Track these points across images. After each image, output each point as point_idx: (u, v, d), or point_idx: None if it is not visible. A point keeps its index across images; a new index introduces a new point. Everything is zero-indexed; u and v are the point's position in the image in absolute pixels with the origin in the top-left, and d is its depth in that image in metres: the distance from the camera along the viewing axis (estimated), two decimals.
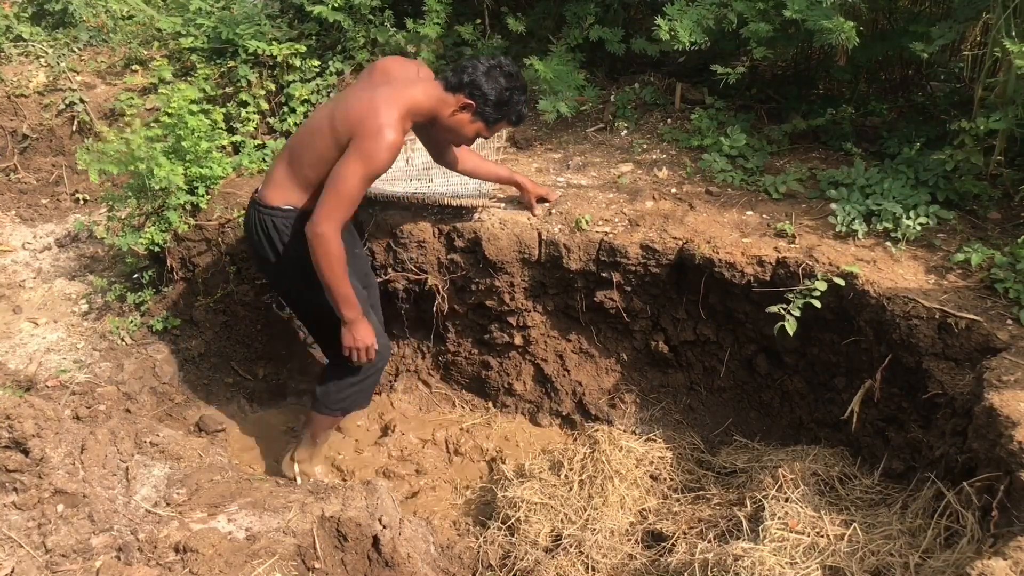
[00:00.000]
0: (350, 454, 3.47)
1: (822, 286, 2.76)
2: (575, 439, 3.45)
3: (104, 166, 3.54)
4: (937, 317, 2.59)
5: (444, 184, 3.53)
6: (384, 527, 2.32)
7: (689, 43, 3.25)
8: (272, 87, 4.51)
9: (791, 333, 2.74)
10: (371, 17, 4.48)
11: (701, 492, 2.95)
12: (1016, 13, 2.75)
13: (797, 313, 2.76)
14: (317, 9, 4.34)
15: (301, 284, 2.88)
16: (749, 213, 3.19)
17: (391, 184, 3.56)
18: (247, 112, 4.41)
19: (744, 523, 2.61)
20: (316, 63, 4.51)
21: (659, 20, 3.32)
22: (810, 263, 2.86)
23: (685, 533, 2.75)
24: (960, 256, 2.77)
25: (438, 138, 2.95)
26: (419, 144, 3.77)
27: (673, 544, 2.71)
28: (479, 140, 3.81)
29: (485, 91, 2.70)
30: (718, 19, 3.30)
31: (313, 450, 3.20)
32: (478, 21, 4.63)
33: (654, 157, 3.65)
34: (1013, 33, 2.73)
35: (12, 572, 1.93)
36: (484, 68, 2.71)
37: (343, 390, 3.03)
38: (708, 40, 3.46)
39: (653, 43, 3.40)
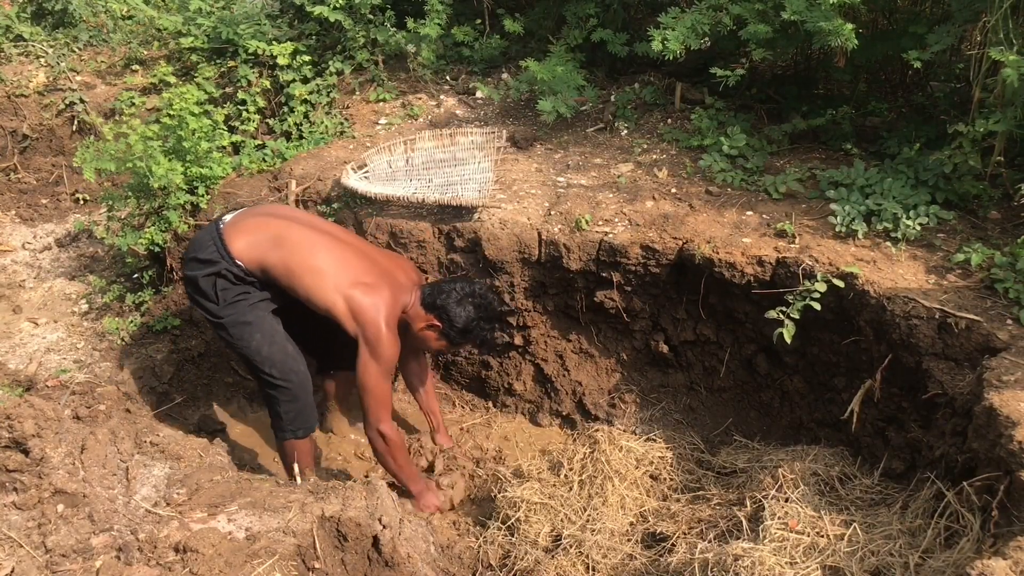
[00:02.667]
0: (350, 454, 3.47)
1: (821, 287, 2.76)
2: (575, 439, 3.45)
3: (100, 164, 3.54)
4: (937, 317, 2.59)
5: (444, 184, 3.53)
6: (384, 527, 2.32)
7: (680, 51, 3.26)
8: (271, 87, 4.51)
9: (788, 339, 2.74)
10: (371, 17, 4.49)
11: (701, 492, 2.95)
12: (1013, 14, 2.75)
13: (796, 316, 2.76)
14: (317, 9, 4.34)
15: (197, 306, 2.99)
16: (749, 213, 3.19)
17: (391, 184, 3.56)
18: (247, 112, 4.41)
19: (744, 523, 2.61)
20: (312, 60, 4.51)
21: (652, 31, 3.33)
22: (810, 263, 2.86)
23: (685, 533, 2.75)
24: (960, 256, 2.77)
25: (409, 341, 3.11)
26: (419, 144, 3.78)
27: (673, 544, 2.71)
28: (479, 137, 3.83)
29: (452, 317, 2.95)
30: (714, 24, 3.31)
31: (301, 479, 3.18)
32: (478, 21, 4.64)
33: (654, 157, 3.65)
34: (1011, 35, 2.72)
35: (12, 572, 1.93)
36: (457, 296, 2.94)
37: (275, 418, 3.04)
38: (706, 42, 3.46)
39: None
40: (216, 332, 3.01)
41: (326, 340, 3.23)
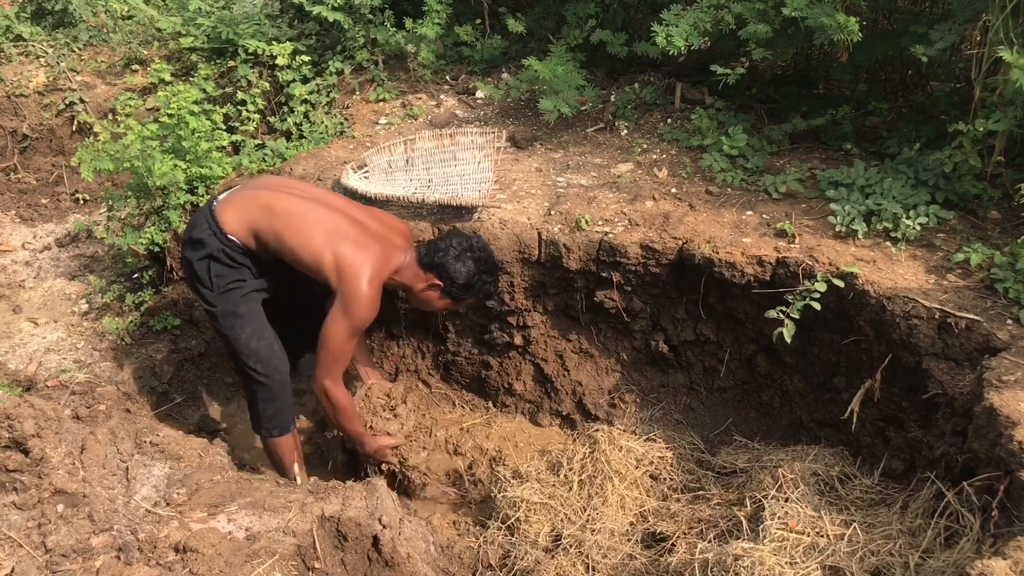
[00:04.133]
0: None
1: (821, 287, 2.76)
2: (575, 439, 3.45)
3: (98, 164, 3.54)
4: (937, 317, 2.59)
5: (444, 184, 3.53)
6: (384, 527, 2.32)
7: (685, 47, 3.26)
8: (271, 87, 4.51)
9: (788, 339, 2.74)
10: (371, 17, 4.49)
11: (701, 492, 2.95)
12: (1014, 14, 2.75)
13: (796, 316, 2.76)
14: (317, 9, 4.34)
15: (194, 292, 3.00)
16: (749, 213, 3.19)
17: (391, 184, 3.56)
18: (247, 112, 4.42)
19: (744, 523, 2.61)
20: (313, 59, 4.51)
21: (655, 27, 3.33)
22: (810, 263, 2.86)
23: (685, 533, 2.75)
24: (960, 256, 2.77)
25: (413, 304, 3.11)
26: (419, 145, 3.78)
27: (673, 544, 2.71)
28: (478, 138, 3.83)
29: (453, 274, 2.90)
30: (715, 22, 3.31)
31: (292, 475, 3.16)
32: (478, 21, 4.64)
33: (654, 157, 3.65)
34: (1012, 35, 2.72)
35: (12, 572, 1.93)
36: (455, 252, 2.89)
37: (259, 411, 3.03)
38: (707, 41, 3.46)
39: (653, 45, 3.41)
40: (209, 319, 3.02)
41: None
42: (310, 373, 3.02)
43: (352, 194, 3.46)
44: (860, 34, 2.94)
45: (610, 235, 3.16)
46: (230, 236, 2.84)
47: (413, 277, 2.96)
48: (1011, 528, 2.05)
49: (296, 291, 3.11)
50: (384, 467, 3.21)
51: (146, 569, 1.98)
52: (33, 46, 5.12)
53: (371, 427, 3.16)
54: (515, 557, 2.80)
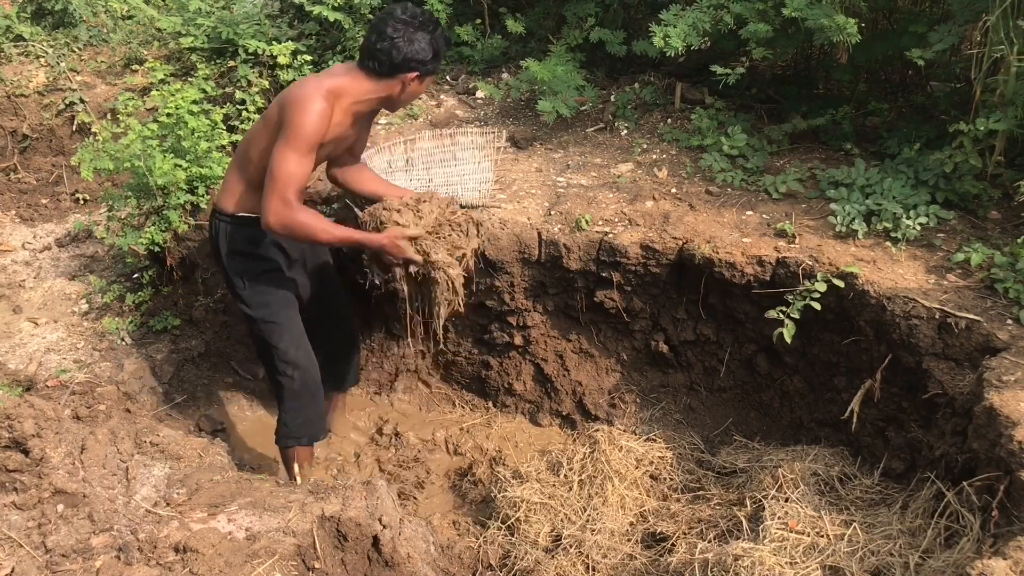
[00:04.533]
0: (350, 454, 3.47)
1: (821, 287, 2.77)
2: (575, 439, 3.45)
3: (98, 164, 3.54)
4: (937, 317, 2.59)
5: (444, 185, 3.53)
6: (384, 527, 2.32)
7: (683, 48, 3.26)
8: (271, 87, 4.51)
9: (788, 339, 2.74)
10: (371, 17, 4.49)
11: (701, 492, 2.95)
12: (1014, 14, 2.75)
13: (796, 316, 2.76)
14: (317, 9, 4.34)
15: (235, 297, 2.94)
16: (749, 213, 3.19)
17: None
18: (247, 112, 4.41)
19: (744, 523, 2.61)
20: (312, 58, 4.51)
21: (654, 27, 3.33)
22: (810, 263, 2.86)
23: (685, 533, 2.75)
24: (960, 256, 2.77)
25: (347, 141, 2.83)
26: (419, 145, 3.78)
27: (673, 544, 2.71)
28: (478, 138, 3.82)
29: (421, 58, 2.63)
30: (715, 22, 3.31)
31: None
32: (478, 21, 4.64)
33: (654, 157, 3.65)
34: (1011, 35, 2.72)
35: (12, 572, 1.93)
36: (403, 38, 2.59)
37: (283, 426, 3.02)
38: (706, 41, 3.46)
39: (652, 45, 3.41)
40: (247, 326, 2.99)
41: (332, 342, 3.24)
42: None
43: (351, 203, 3.46)
44: (859, 36, 2.94)
45: (610, 235, 3.16)
46: (235, 214, 2.82)
47: (383, 90, 2.68)
48: (1011, 528, 2.05)
49: (320, 282, 3.07)
50: (402, 273, 2.85)
51: (146, 569, 1.98)
52: (33, 46, 5.11)
53: (381, 223, 2.78)
54: (515, 557, 2.80)
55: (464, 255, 2.83)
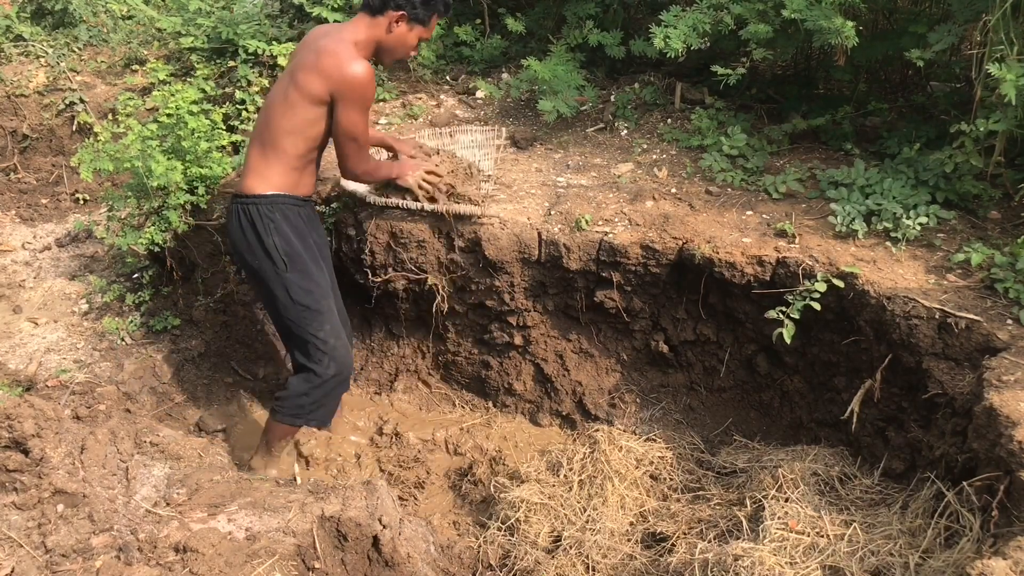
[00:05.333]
0: (350, 455, 3.47)
1: (821, 287, 2.77)
2: (575, 439, 3.45)
3: (98, 164, 3.54)
4: (937, 317, 2.59)
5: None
6: (384, 527, 2.32)
7: (683, 50, 3.26)
8: (271, 87, 4.51)
9: (788, 339, 2.74)
10: None
11: (701, 492, 2.95)
12: (1014, 14, 2.75)
13: (796, 316, 2.77)
14: (317, 9, 4.34)
15: (272, 276, 2.93)
16: (749, 213, 3.19)
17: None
18: (247, 112, 4.41)
19: (744, 523, 2.61)
20: None
21: (654, 28, 3.33)
22: (810, 263, 2.86)
23: (685, 533, 2.75)
24: (960, 256, 2.77)
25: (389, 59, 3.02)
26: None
27: (673, 544, 2.71)
28: (479, 137, 3.83)
29: None
30: (714, 23, 3.31)
31: (268, 459, 3.15)
32: (478, 21, 4.64)
33: (654, 157, 3.65)
34: (1011, 35, 2.72)
35: (12, 572, 1.93)
36: None
37: (296, 398, 3.02)
38: (706, 41, 3.46)
39: (651, 45, 3.41)
40: (281, 313, 2.98)
41: None
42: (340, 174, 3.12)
43: (352, 197, 3.46)
44: (856, 40, 2.94)
45: (610, 235, 3.16)
46: (267, 193, 2.85)
47: (373, 29, 2.82)
48: (1011, 528, 2.05)
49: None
50: (428, 194, 3.24)
51: (146, 569, 1.98)
52: (33, 46, 5.12)
53: (388, 196, 3.29)
54: (515, 557, 2.80)
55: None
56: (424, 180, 3.19)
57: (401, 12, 2.79)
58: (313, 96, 2.76)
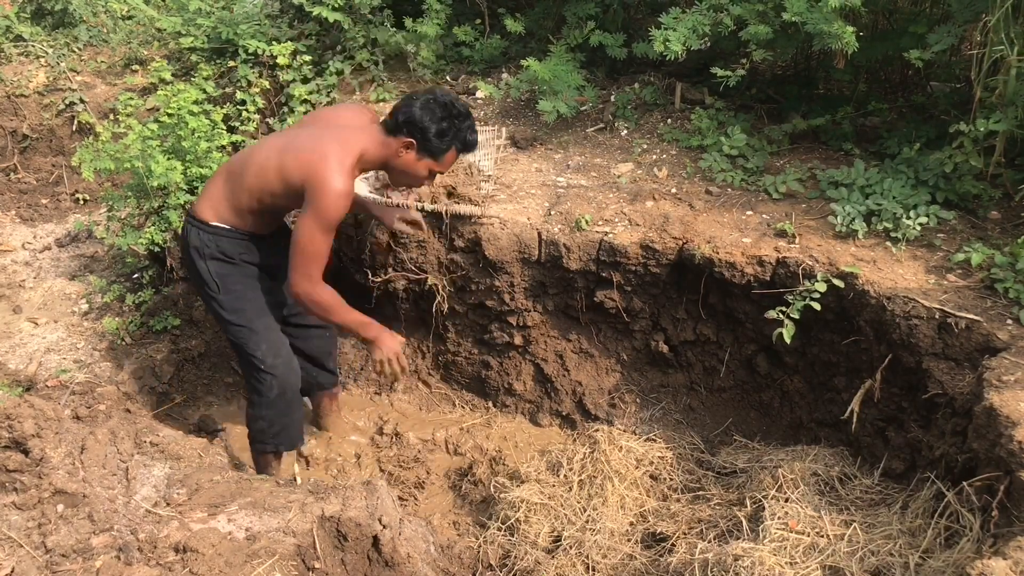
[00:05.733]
0: (350, 455, 3.47)
1: (821, 287, 2.77)
2: (575, 439, 3.45)
3: (99, 164, 3.54)
4: (937, 317, 2.59)
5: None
6: (384, 527, 2.32)
7: (682, 52, 3.26)
8: (271, 87, 4.51)
9: (788, 339, 2.74)
10: (371, 17, 4.49)
11: (701, 492, 2.95)
12: (1014, 14, 2.75)
13: (796, 316, 2.77)
14: (317, 9, 4.34)
15: (207, 296, 2.90)
16: (749, 213, 3.19)
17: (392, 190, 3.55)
18: (247, 112, 4.41)
19: (744, 523, 2.61)
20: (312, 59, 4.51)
21: (653, 31, 3.33)
22: (810, 263, 2.86)
23: (685, 533, 2.75)
24: (960, 256, 2.77)
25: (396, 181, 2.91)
26: None
27: (673, 544, 2.71)
28: (480, 137, 3.82)
29: (423, 125, 2.63)
30: (714, 24, 3.31)
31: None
32: (478, 21, 4.64)
33: (654, 157, 3.65)
34: (1012, 35, 2.72)
35: (12, 572, 1.93)
36: (419, 103, 2.64)
37: (255, 424, 2.99)
38: (706, 42, 3.46)
39: (653, 47, 3.41)
40: (223, 331, 2.96)
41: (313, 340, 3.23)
42: (289, 290, 2.78)
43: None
44: (856, 45, 2.94)
45: (610, 235, 3.16)
46: (212, 223, 2.78)
47: (383, 148, 2.69)
48: (1011, 528, 2.05)
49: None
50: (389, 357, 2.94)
51: (146, 569, 1.98)
52: (33, 46, 5.12)
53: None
54: (515, 557, 2.80)
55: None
56: (389, 361, 2.86)
57: (411, 140, 2.66)
58: (287, 179, 2.63)
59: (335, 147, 2.60)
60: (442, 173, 2.91)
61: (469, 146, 2.77)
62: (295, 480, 3.11)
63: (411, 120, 2.62)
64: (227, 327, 2.90)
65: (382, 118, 2.76)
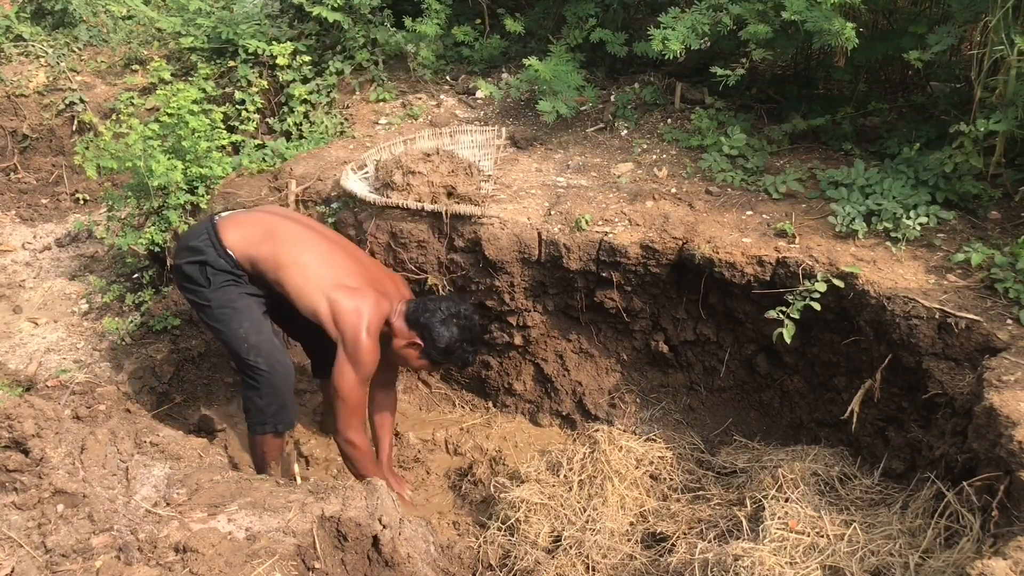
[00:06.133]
0: None
1: (821, 287, 2.77)
2: (575, 439, 3.45)
3: (103, 162, 3.54)
4: (937, 317, 2.59)
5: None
6: (384, 527, 2.32)
7: (681, 51, 3.26)
8: (271, 87, 4.51)
9: (788, 339, 2.74)
10: (371, 17, 4.49)
11: (701, 492, 2.95)
12: (1014, 14, 2.75)
13: (796, 316, 2.76)
14: (317, 9, 4.34)
15: (190, 292, 2.93)
16: (749, 213, 3.19)
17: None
18: (246, 112, 4.42)
19: (744, 523, 2.61)
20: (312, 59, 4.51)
21: (652, 30, 3.33)
22: (810, 263, 2.86)
23: (685, 533, 2.75)
24: (960, 256, 2.77)
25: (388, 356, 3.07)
26: (419, 144, 3.78)
27: (673, 544, 2.71)
28: (479, 137, 3.83)
29: (435, 337, 2.88)
30: (713, 24, 3.31)
31: (268, 472, 3.09)
32: (478, 21, 4.64)
33: (654, 157, 3.65)
34: (1012, 35, 2.72)
35: (12, 572, 1.93)
36: (442, 316, 2.89)
37: (250, 404, 2.98)
38: (706, 42, 3.46)
39: (652, 47, 3.41)
40: (202, 318, 2.96)
41: (322, 343, 3.22)
42: (333, 425, 3.05)
43: (352, 197, 3.46)
44: (856, 41, 2.94)
45: (610, 235, 3.16)
46: (229, 252, 2.83)
47: (397, 331, 2.95)
48: (1011, 528, 2.05)
49: (293, 316, 3.06)
50: None
51: (146, 569, 1.98)
52: (33, 46, 5.12)
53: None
54: (515, 557, 2.80)
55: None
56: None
57: (420, 343, 2.91)
58: (317, 315, 2.82)
59: (373, 309, 2.83)
60: (429, 373, 3.46)
61: (465, 366, 3.10)
62: (295, 480, 3.11)
63: (428, 329, 2.89)
64: (208, 315, 2.90)
65: (404, 303, 3.00)
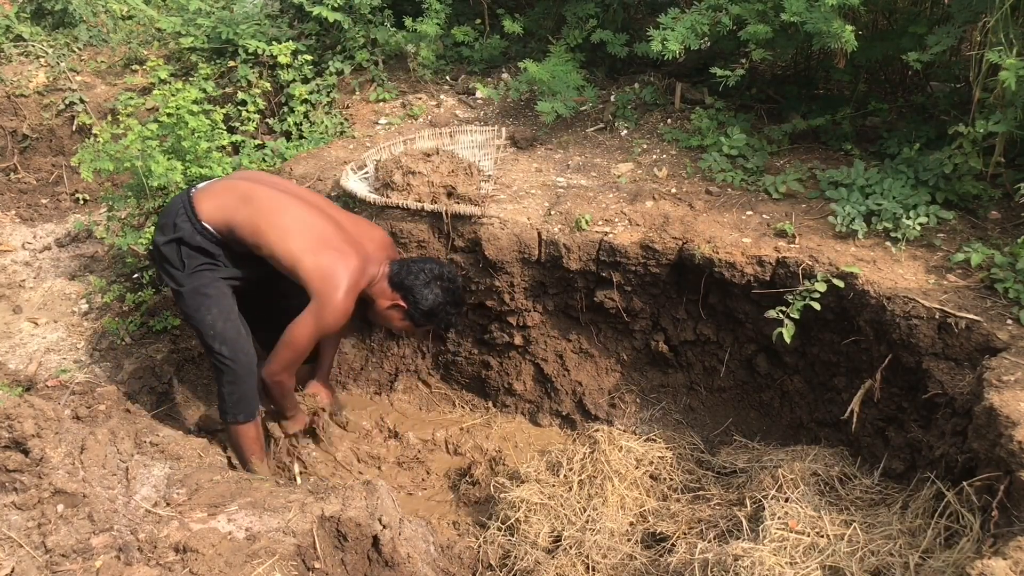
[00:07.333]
0: (350, 454, 3.47)
1: (821, 287, 2.77)
2: (575, 439, 3.45)
3: (98, 164, 3.54)
4: (937, 317, 2.59)
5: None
6: (384, 527, 2.32)
7: (680, 51, 3.26)
8: (271, 87, 4.51)
9: (788, 339, 2.74)
10: (371, 17, 4.49)
11: (701, 492, 2.95)
12: (1013, 14, 2.75)
13: (796, 316, 2.77)
14: (317, 9, 4.34)
15: (165, 274, 2.96)
16: (749, 213, 3.19)
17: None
18: (247, 112, 4.42)
19: (744, 523, 2.61)
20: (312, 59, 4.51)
21: (652, 31, 3.33)
22: (810, 263, 2.86)
23: (685, 533, 2.75)
24: (960, 256, 2.77)
25: (371, 317, 3.10)
26: (419, 144, 3.78)
27: (673, 544, 2.71)
28: (479, 137, 3.84)
29: (418, 299, 2.91)
30: (713, 24, 3.31)
31: (252, 463, 3.09)
32: (478, 21, 4.64)
33: (654, 157, 3.65)
34: (1011, 36, 2.72)
35: (12, 572, 1.93)
36: (425, 277, 2.91)
37: (224, 395, 2.97)
38: (706, 42, 3.46)
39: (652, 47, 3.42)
40: (176, 302, 2.97)
41: (286, 320, 3.22)
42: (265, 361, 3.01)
43: (352, 197, 3.47)
44: (855, 44, 2.95)
45: (610, 235, 3.16)
46: (204, 223, 2.81)
47: (380, 292, 2.96)
48: (1011, 528, 2.05)
49: (269, 287, 3.08)
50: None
51: (146, 569, 1.98)
52: (33, 46, 5.12)
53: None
54: (515, 557, 2.80)
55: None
56: (289, 436, 3.25)
57: (403, 304, 2.93)
58: (297, 273, 2.78)
59: (355, 270, 2.82)
60: (410, 337, 3.46)
61: (447, 328, 3.13)
62: (295, 480, 3.12)
63: (411, 290, 2.92)
64: (180, 299, 2.92)
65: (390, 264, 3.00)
